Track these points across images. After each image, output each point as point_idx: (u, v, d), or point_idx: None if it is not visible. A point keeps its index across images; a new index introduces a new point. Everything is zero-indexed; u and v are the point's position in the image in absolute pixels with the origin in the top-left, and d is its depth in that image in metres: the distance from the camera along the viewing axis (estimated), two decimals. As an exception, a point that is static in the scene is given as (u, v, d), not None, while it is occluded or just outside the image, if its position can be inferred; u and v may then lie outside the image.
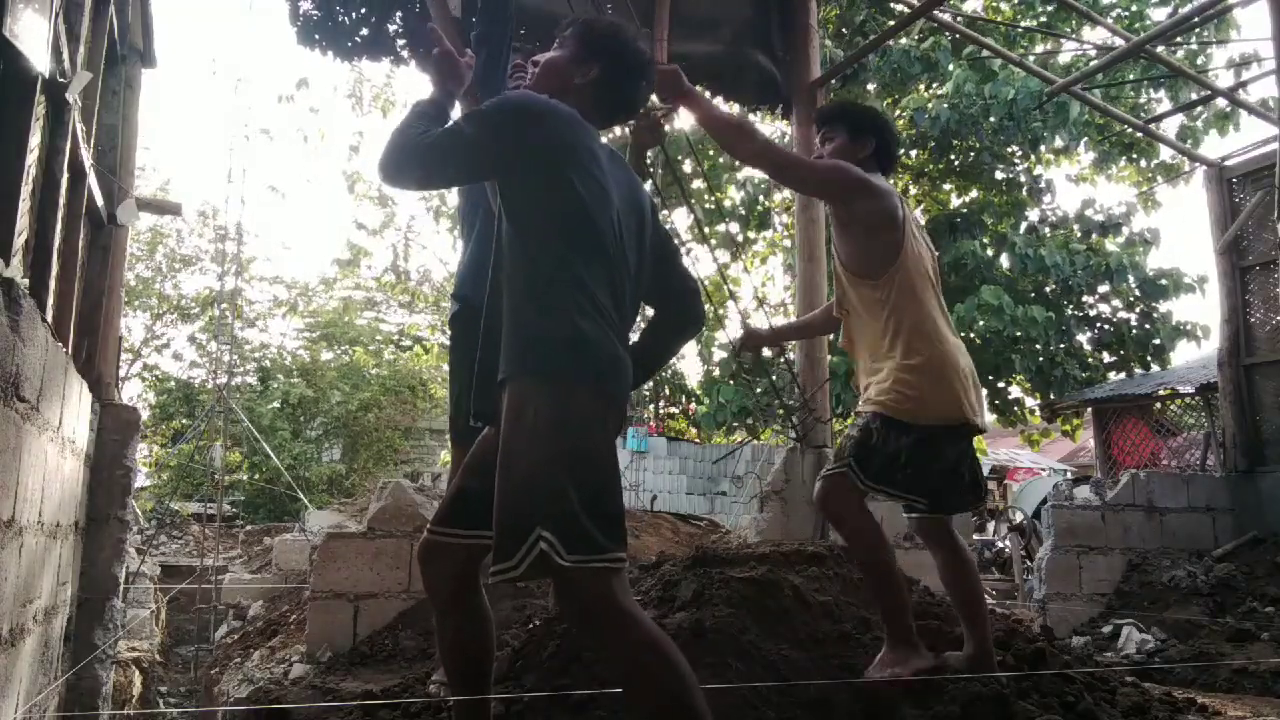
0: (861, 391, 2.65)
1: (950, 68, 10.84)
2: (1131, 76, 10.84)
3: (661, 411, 17.30)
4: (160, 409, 15.24)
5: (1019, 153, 11.43)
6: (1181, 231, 14.02)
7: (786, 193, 11.24)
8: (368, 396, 14.84)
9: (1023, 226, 11.65)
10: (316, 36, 5.08)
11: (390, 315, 20.87)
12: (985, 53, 9.60)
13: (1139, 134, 10.88)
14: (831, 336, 4.95)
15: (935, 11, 6.55)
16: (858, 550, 2.57)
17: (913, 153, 11.69)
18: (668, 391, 16.81)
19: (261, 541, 10.43)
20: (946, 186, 12.45)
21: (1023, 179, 11.88)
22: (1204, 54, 10.94)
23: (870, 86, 11.47)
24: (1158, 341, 10.97)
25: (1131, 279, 10.82)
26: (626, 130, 3.08)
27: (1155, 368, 10.99)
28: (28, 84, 2.62)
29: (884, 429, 2.48)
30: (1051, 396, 11.03)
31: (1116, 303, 11.38)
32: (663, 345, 2.22)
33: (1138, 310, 11.20)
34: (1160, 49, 7.47)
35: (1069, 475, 12.60)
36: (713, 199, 12.84)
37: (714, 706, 1.67)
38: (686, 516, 8.09)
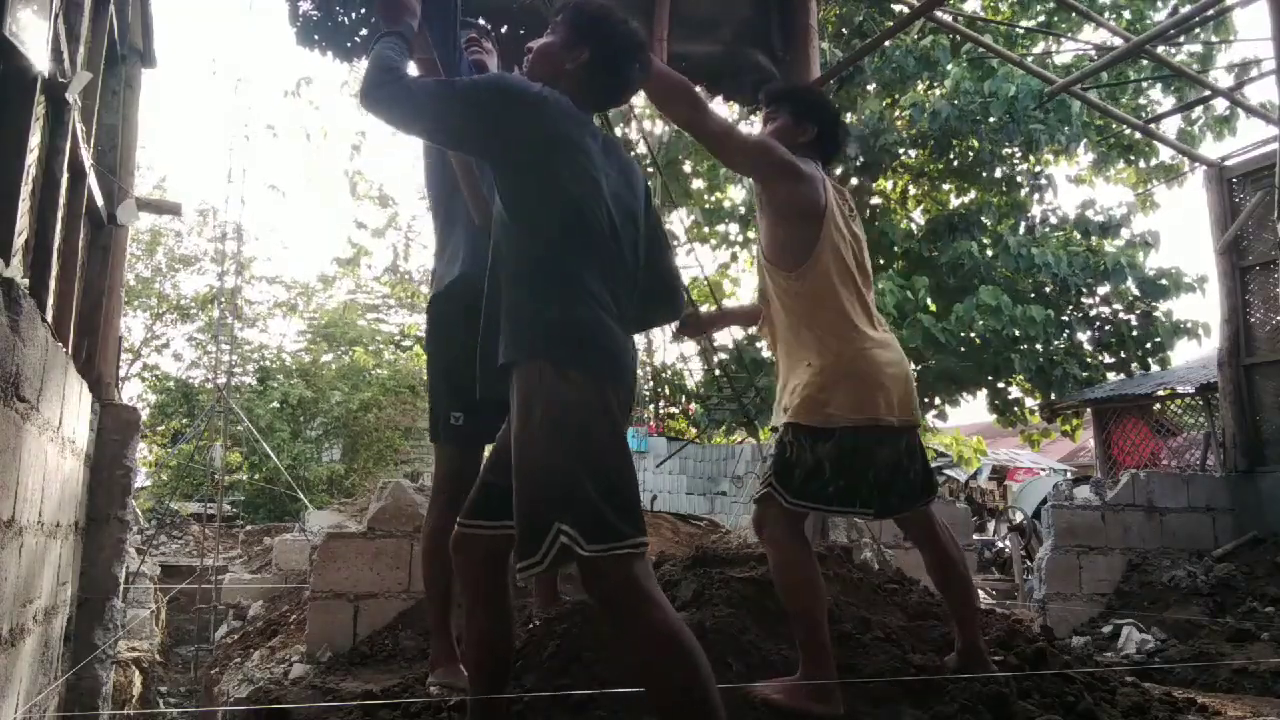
0: (779, 388, 2.54)
1: (949, 67, 10.84)
2: (1133, 76, 10.84)
3: (661, 411, 17.30)
4: (160, 409, 15.24)
5: (1018, 153, 11.43)
6: (1181, 232, 14.01)
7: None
8: (368, 397, 14.84)
9: (1022, 227, 11.66)
10: (316, 37, 5.07)
11: (391, 316, 20.87)
12: (984, 51, 9.61)
13: (1138, 135, 10.89)
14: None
15: (935, 11, 6.55)
16: (779, 583, 2.34)
17: (913, 152, 11.68)
18: (667, 391, 16.80)
19: (261, 541, 10.42)
20: (945, 186, 12.44)
21: (1021, 178, 11.88)
22: (1205, 56, 10.93)
23: (870, 86, 11.47)
24: (1158, 340, 10.96)
25: (1131, 280, 10.81)
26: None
27: (1155, 368, 10.98)
28: (28, 84, 2.62)
29: (798, 440, 2.36)
30: (1051, 396, 11.02)
31: (1117, 305, 11.38)
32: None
33: (1138, 310, 11.20)
34: (1161, 49, 7.48)
35: (1069, 475, 12.60)
36: (712, 199, 12.85)
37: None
38: (686, 516, 8.07)
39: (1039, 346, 10.71)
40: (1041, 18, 11.31)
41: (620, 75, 2.06)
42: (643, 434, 15.10)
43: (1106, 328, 11.44)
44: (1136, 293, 11.02)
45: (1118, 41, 7.93)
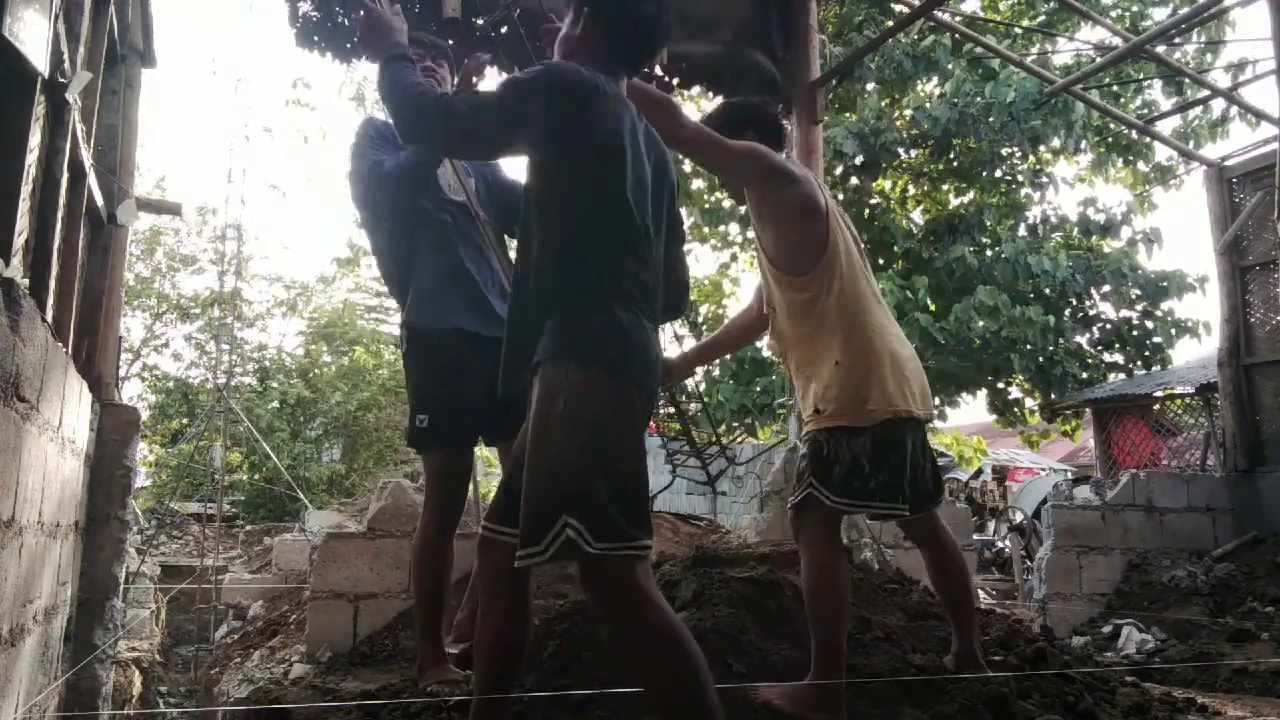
0: (799, 396, 2.52)
1: (950, 67, 10.84)
2: (1136, 76, 10.83)
3: (661, 411, 17.29)
4: (160, 409, 15.25)
5: (1018, 153, 11.43)
6: (1181, 231, 14.02)
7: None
8: (367, 396, 14.84)
9: (1022, 227, 11.65)
10: (315, 38, 5.08)
11: (391, 316, 20.86)
12: (985, 52, 9.60)
13: (1136, 135, 10.88)
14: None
15: (935, 11, 6.55)
16: (810, 587, 2.30)
17: (913, 152, 11.68)
18: (668, 391, 16.78)
19: (261, 541, 10.43)
20: (945, 186, 12.44)
21: (1021, 179, 11.87)
22: (1208, 52, 10.92)
23: (870, 86, 11.47)
24: (1158, 339, 10.96)
25: (1131, 282, 10.80)
26: None
27: (1155, 367, 10.99)
28: (28, 84, 2.62)
29: (834, 438, 2.34)
30: (1051, 396, 11.02)
31: (1122, 310, 11.37)
32: None
33: (1139, 309, 11.20)
34: (1161, 49, 7.47)
35: (1069, 475, 12.59)
36: (713, 198, 12.84)
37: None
38: (686, 516, 8.08)
39: (1038, 347, 10.71)
40: (1042, 18, 11.31)
41: (643, 29, 1.99)
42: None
43: (1107, 327, 11.43)
44: (1136, 292, 11.01)
45: (1118, 42, 7.93)
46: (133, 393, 15.15)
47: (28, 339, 2.38)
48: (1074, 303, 11.21)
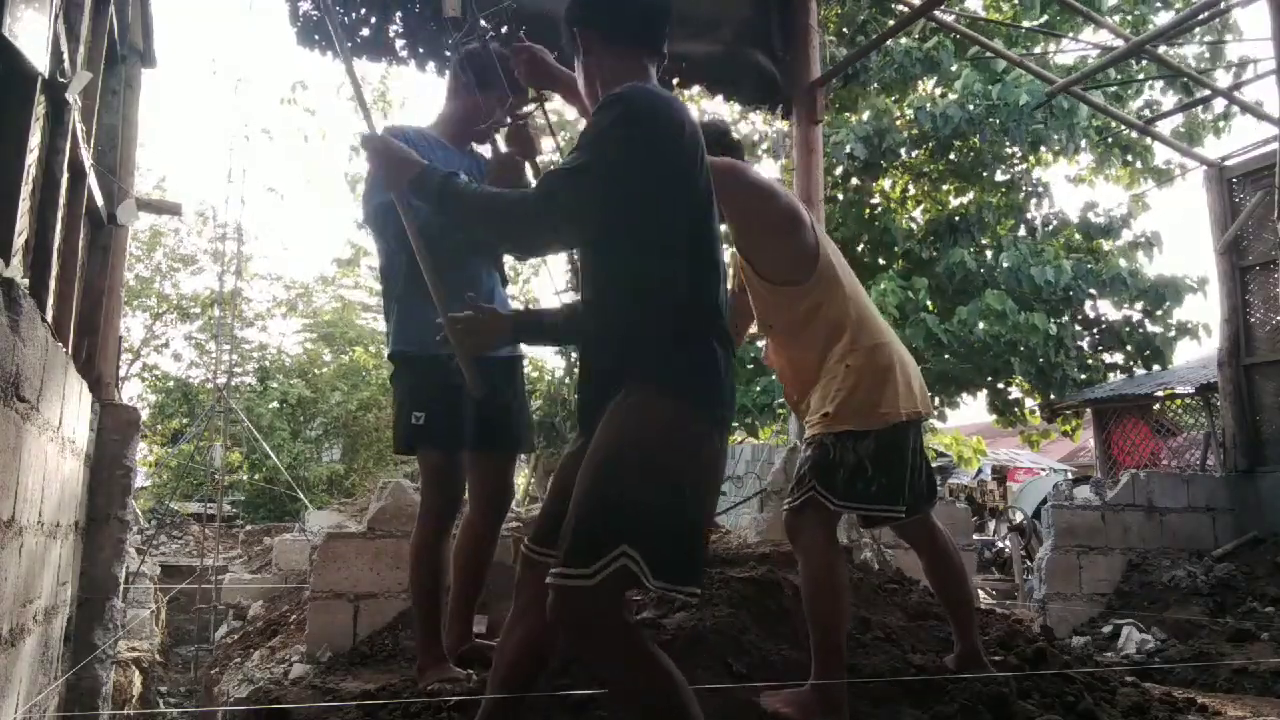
0: (797, 401, 2.52)
1: (954, 68, 10.83)
2: (1138, 76, 10.82)
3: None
4: (160, 409, 15.25)
5: (1019, 154, 11.43)
6: (1181, 232, 14.00)
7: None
8: (367, 396, 14.84)
9: (1022, 229, 11.64)
10: (316, 37, 5.07)
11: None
12: (987, 53, 9.60)
13: (1135, 136, 10.88)
14: None
15: (936, 12, 6.54)
16: (809, 589, 2.30)
17: (914, 152, 11.68)
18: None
19: (261, 541, 10.42)
20: (945, 187, 12.43)
21: (1021, 178, 11.87)
22: (1211, 54, 10.92)
23: (872, 86, 11.46)
24: (1156, 339, 10.95)
25: (1131, 288, 10.78)
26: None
27: (1155, 368, 10.99)
28: (28, 84, 2.62)
29: (841, 441, 2.34)
30: (1051, 397, 11.01)
31: (1122, 312, 11.36)
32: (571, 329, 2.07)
33: (1139, 308, 11.19)
34: (1162, 49, 7.47)
35: (1069, 475, 12.59)
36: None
37: (714, 706, 1.66)
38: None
39: (1040, 351, 10.70)
40: (1044, 18, 11.31)
41: (648, 25, 1.96)
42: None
43: (1107, 328, 11.43)
44: (1136, 294, 11.00)
45: (1119, 42, 7.93)
46: (133, 393, 15.17)
47: (28, 339, 2.38)
48: (1075, 308, 11.19)
